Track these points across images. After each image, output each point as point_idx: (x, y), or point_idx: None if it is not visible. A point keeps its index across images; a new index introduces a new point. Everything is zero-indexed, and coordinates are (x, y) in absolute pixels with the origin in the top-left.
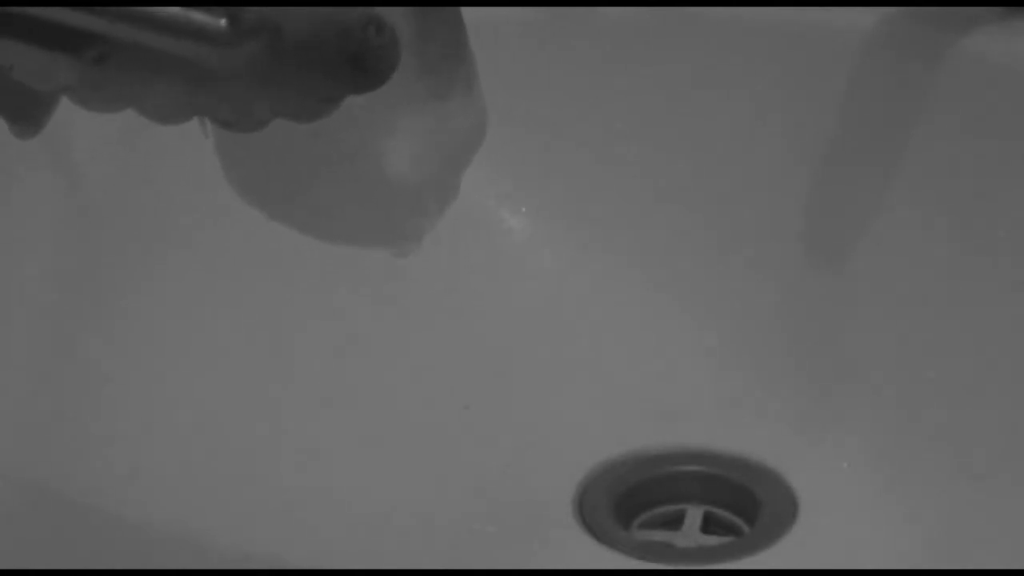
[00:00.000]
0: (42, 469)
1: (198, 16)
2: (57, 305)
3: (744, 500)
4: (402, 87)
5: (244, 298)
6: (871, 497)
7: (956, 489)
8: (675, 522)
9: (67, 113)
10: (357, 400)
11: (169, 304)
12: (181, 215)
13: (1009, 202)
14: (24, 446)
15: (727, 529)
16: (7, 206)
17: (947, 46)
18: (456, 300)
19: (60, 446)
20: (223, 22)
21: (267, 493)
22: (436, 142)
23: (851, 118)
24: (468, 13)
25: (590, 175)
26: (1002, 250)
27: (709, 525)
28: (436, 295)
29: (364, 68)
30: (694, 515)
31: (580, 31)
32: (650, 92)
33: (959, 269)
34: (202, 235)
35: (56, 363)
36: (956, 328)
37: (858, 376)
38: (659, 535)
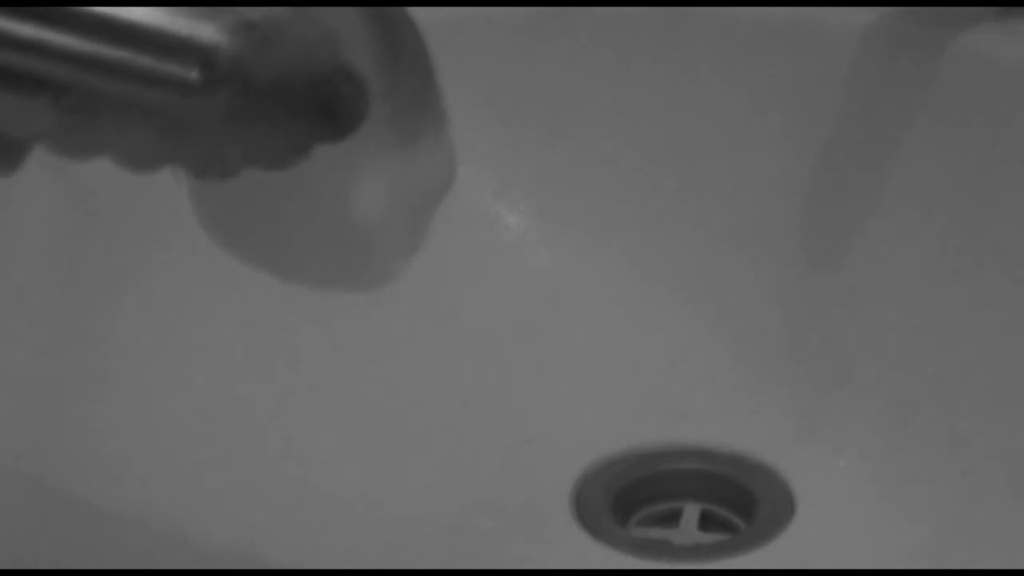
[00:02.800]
0: (41, 467)
1: (171, 66)
2: (57, 304)
3: (741, 497)
4: (371, 133)
5: (242, 296)
6: (868, 495)
7: (953, 488)
8: (672, 519)
9: None
10: (354, 398)
11: (168, 303)
12: (180, 214)
13: (1008, 201)
14: (23, 444)
15: (724, 526)
16: (8, 206)
17: (945, 45)
18: (453, 297)
19: (59, 444)
20: (195, 72)
21: (265, 492)
22: (405, 186)
23: (849, 117)
24: (466, 12)
25: (587, 173)
26: (1000, 248)
27: (706, 522)
28: (434, 292)
29: (334, 117)
30: (691, 512)
31: (578, 30)
32: (649, 91)
33: (957, 268)
34: (202, 234)
35: (55, 362)
36: (954, 326)
37: (856, 374)
38: (656, 532)
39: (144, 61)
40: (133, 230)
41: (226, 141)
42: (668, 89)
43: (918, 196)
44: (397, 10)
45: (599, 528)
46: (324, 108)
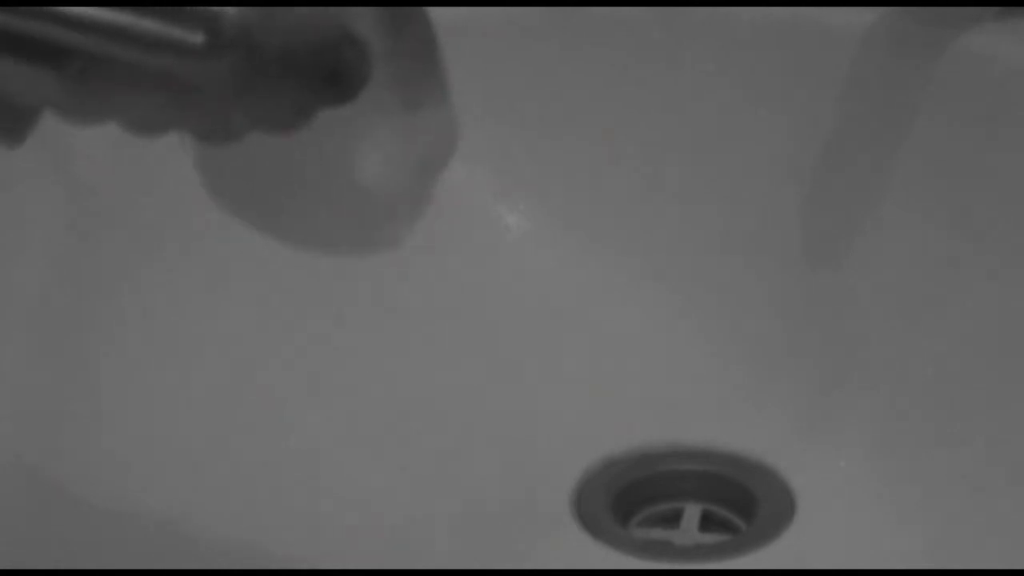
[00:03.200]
0: (41, 467)
1: (176, 31)
2: (57, 304)
3: (742, 498)
4: (375, 98)
5: (241, 296)
6: (868, 495)
7: (953, 488)
8: (673, 520)
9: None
10: (355, 398)
11: (168, 302)
12: (180, 213)
13: (1008, 201)
14: (23, 444)
15: (725, 527)
16: (7, 207)
17: (945, 45)
18: (454, 297)
19: (59, 444)
20: (200, 37)
21: (265, 492)
22: (409, 152)
23: (849, 117)
24: (468, 12)
25: (588, 173)
26: (1000, 248)
27: (707, 523)
28: (434, 292)
29: (337, 82)
30: (692, 513)
31: (578, 30)
32: (649, 90)
33: (957, 267)
34: (200, 233)
35: (56, 361)
36: (955, 327)
37: (856, 374)
38: (657, 533)
39: (150, 26)
40: (133, 230)
41: (231, 105)
42: (668, 89)
43: (918, 196)
44: None
45: (599, 528)
46: (328, 72)
